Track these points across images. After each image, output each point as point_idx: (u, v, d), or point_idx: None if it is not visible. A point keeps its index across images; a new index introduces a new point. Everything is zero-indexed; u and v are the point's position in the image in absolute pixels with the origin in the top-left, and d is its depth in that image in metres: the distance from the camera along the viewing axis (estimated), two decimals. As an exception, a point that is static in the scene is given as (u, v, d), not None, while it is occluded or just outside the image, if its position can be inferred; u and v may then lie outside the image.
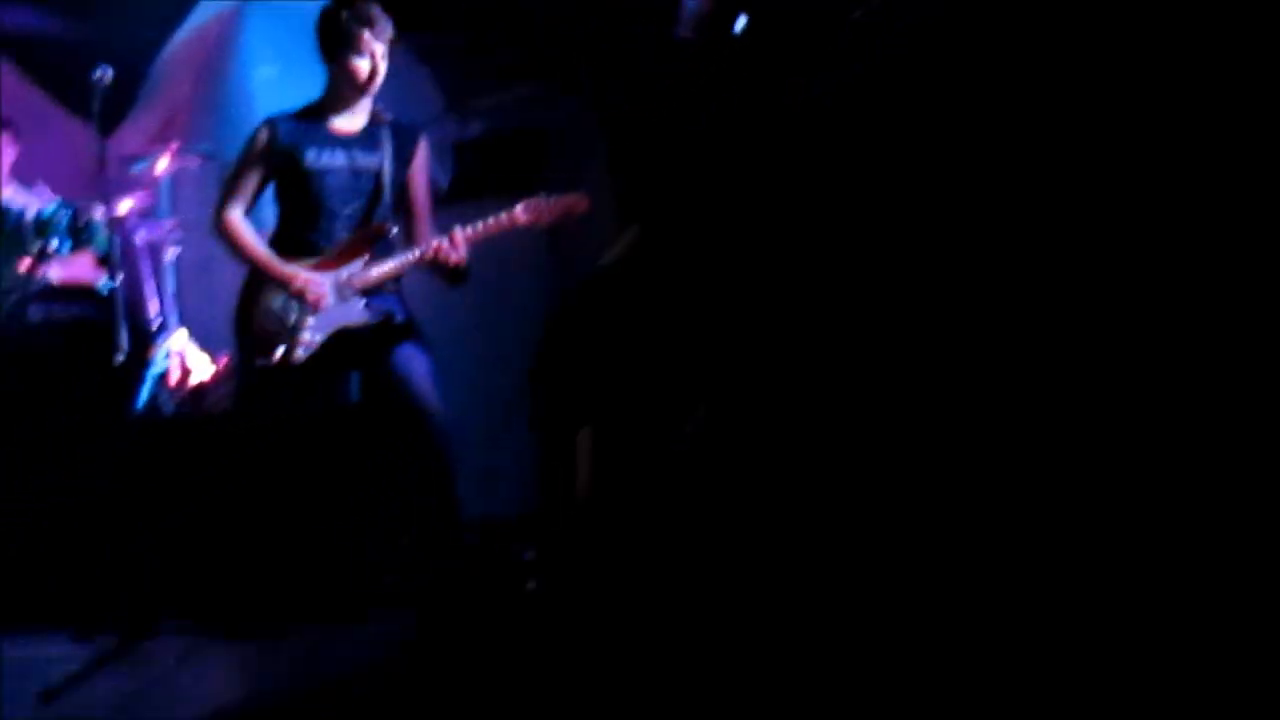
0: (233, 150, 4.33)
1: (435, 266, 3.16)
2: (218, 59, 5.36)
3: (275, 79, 4.99)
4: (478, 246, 3.20)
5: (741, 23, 3.36)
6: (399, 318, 3.23)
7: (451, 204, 4.19)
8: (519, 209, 3.16)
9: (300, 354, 3.12)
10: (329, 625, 3.15)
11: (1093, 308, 1.79)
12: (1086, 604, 1.66)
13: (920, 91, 2.13)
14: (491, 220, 3.15)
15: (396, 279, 3.24)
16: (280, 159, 3.19)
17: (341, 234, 3.20)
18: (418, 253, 3.15)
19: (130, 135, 5.07)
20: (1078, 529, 1.71)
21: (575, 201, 3.22)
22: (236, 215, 3.21)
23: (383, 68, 3.16)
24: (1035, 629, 1.67)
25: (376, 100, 3.30)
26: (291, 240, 3.22)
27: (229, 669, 2.80)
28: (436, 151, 4.38)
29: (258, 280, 3.19)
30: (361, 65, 3.12)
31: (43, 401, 3.85)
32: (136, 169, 4.65)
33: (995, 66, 1.94)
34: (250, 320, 3.19)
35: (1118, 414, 1.73)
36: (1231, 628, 1.56)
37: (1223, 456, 1.65)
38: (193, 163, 4.78)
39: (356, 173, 3.20)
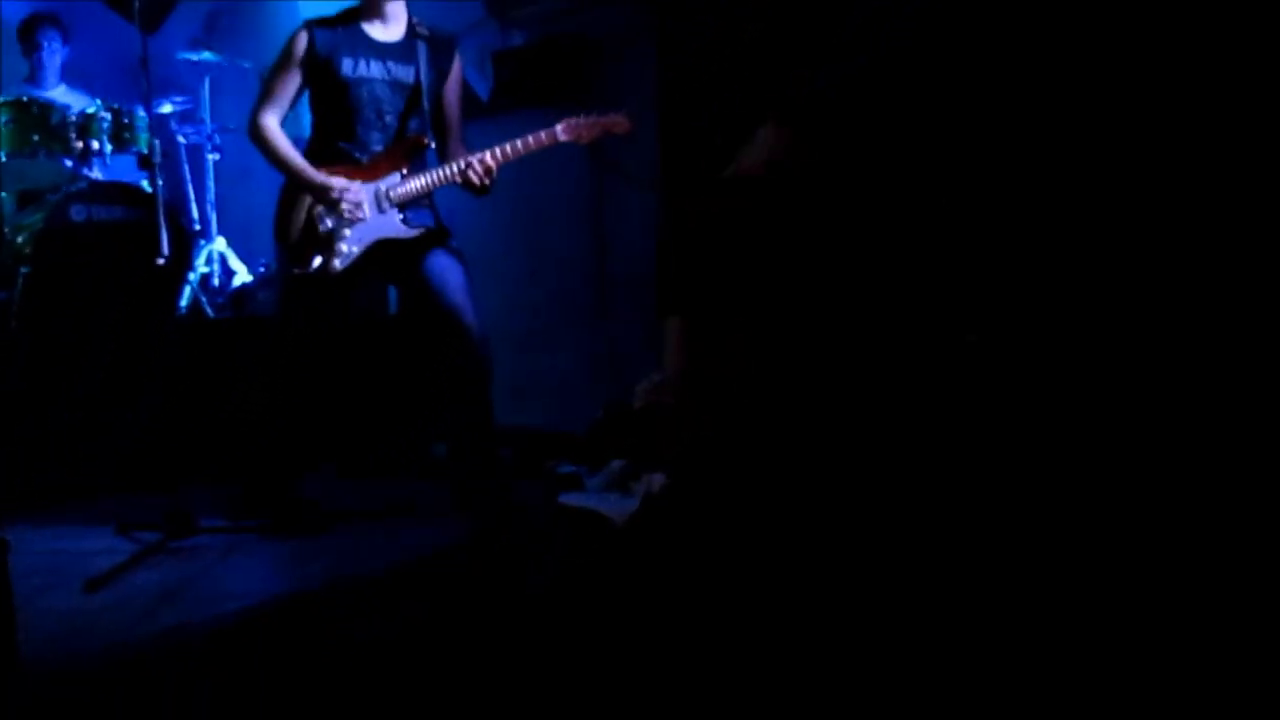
0: (273, 55, 4.28)
1: (465, 184, 3.15)
2: (260, -40, 5.31)
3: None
4: (514, 160, 3.17)
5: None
6: (434, 230, 3.23)
7: (492, 115, 4.16)
8: (558, 128, 3.11)
9: (337, 265, 3.12)
10: (367, 526, 3.22)
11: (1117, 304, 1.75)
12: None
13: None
14: (530, 139, 3.12)
15: (430, 192, 3.23)
16: (317, 67, 3.15)
17: (377, 145, 3.18)
18: (448, 170, 3.13)
19: (173, 36, 5.03)
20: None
21: (616, 121, 3.17)
22: (272, 121, 3.18)
23: None
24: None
25: (414, 10, 3.25)
26: (327, 149, 3.20)
27: (270, 565, 2.86)
28: (476, 60, 4.33)
29: (295, 188, 3.18)
30: None
31: (85, 301, 3.91)
32: (178, 70, 4.64)
33: (1001, 55, 1.88)
34: (288, 227, 3.18)
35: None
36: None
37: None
38: (233, 66, 4.76)
39: (393, 84, 3.18)
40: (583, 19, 4.25)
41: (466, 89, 3.53)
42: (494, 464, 3.24)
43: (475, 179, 3.08)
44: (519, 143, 3.11)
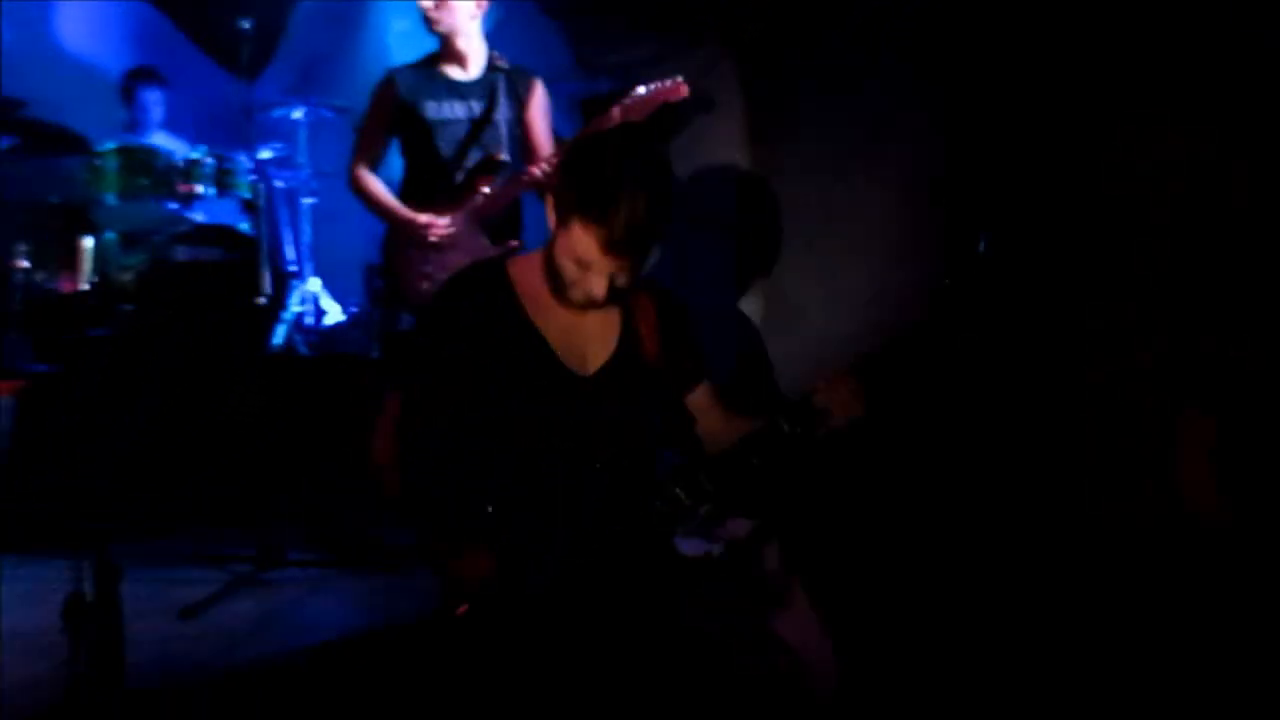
0: (365, 99, 4.41)
1: (537, 186, 3.19)
2: (354, 11, 5.49)
3: (409, 34, 5.08)
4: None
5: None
6: (518, 245, 3.27)
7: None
8: (614, 109, 3.06)
9: (425, 289, 3.19)
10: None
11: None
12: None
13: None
14: (589, 128, 3.13)
15: (515, 211, 3.30)
16: (402, 113, 3.27)
17: (461, 177, 3.26)
18: (521, 176, 3.19)
19: (271, 85, 5.22)
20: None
21: (672, 88, 3.07)
22: (365, 171, 3.32)
23: (438, 10, 3.19)
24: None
25: (493, 47, 3.34)
26: (419, 191, 3.30)
27: (358, 599, 2.89)
28: (565, 108, 4.40)
29: (395, 230, 3.28)
30: (421, 4, 3.21)
31: (185, 338, 4.03)
32: (276, 118, 4.80)
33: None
34: (392, 267, 3.30)
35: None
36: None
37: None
38: (328, 112, 4.90)
39: (474, 121, 3.27)
40: (667, 68, 4.30)
41: (555, 135, 3.58)
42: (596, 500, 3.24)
43: (541, 175, 3.12)
44: (576, 136, 3.16)
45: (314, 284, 4.80)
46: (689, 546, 3.22)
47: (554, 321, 1.86)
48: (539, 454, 1.82)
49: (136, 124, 4.94)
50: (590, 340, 1.89)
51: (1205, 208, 2.33)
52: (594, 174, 1.74)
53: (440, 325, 1.86)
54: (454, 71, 3.30)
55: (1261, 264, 2.23)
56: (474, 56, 3.29)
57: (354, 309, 4.74)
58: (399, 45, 5.18)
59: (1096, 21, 2.57)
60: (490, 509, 1.79)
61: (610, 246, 1.73)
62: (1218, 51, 2.36)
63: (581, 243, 1.73)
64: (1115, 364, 2.46)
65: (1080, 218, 2.59)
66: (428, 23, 3.24)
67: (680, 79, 3.08)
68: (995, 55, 2.90)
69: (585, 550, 1.83)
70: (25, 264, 4.28)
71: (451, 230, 3.18)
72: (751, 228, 3.86)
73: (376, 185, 3.30)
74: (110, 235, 4.35)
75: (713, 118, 3.53)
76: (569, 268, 1.78)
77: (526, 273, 1.89)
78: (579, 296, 1.82)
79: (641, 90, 3.05)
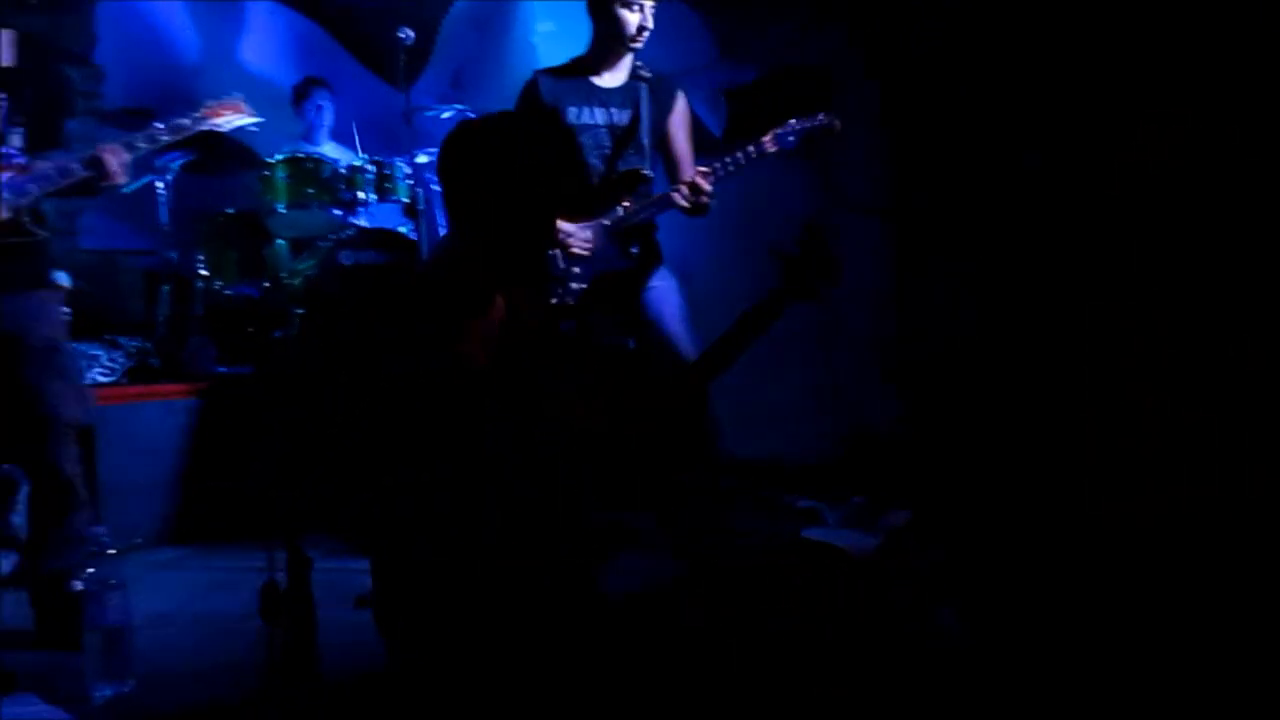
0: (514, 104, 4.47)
1: (680, 206, 3.19)
2: (501, 16, 5.63)
3: (554, 34, 5.18)
4: (734, 178, 3.19)
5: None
6: (652, 260, 3.30)
7: (725, 152, 4.22)
8: (765, 139, 3.08)
9: (570, 301, 3.24)
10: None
11: None
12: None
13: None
14: (739, 154, 3.11)
15: (652, 220, 3.30)
16: (545, 116, 3.26)
17: (602, 185, 3.27)
18: (663, 197, 3.18)
19: (424, 91, 5.41)
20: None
21: (826, 124, 3.09)
22: None
23: (650, 23, 3.17)
24: None
25: (640, 55, 3.33)
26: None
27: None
28: (709, 99, 4.41)
29: None
30: (630, 18, 3.15)
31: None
32: (430, 122, 4.95)
33: None
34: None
35: None
36: None
37: None
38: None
39: (615, 127, 3.27)
40: (807, 48, 4.25)
41: (699, 125, 3.59)
42: (713, 493, 3.25)
43: (683, 201, 3.11)
44: (728, 159, 3.13)
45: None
46: (848, 539, 3.20)
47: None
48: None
49: (309, 133, 5.18)
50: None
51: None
52: None
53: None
54: (598, 78, 3.31)
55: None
56: (622, 65, 3.30)
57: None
58: (545, 46, 5.28)
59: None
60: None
61: None
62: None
63: None
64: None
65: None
66: (630, 42, 3.19)
67: (835, 119, 3.08)
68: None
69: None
70: (204, 272, 4.56)
71: (589, 246, 3.22)
72: (903, 210, 3.79)
73: None
74: (281, 242, 4.58)
75: (845, 98, 3.46)
76: None
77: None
78: None
79: (794, 123, 3.07)
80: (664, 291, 3.27)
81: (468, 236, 1.86)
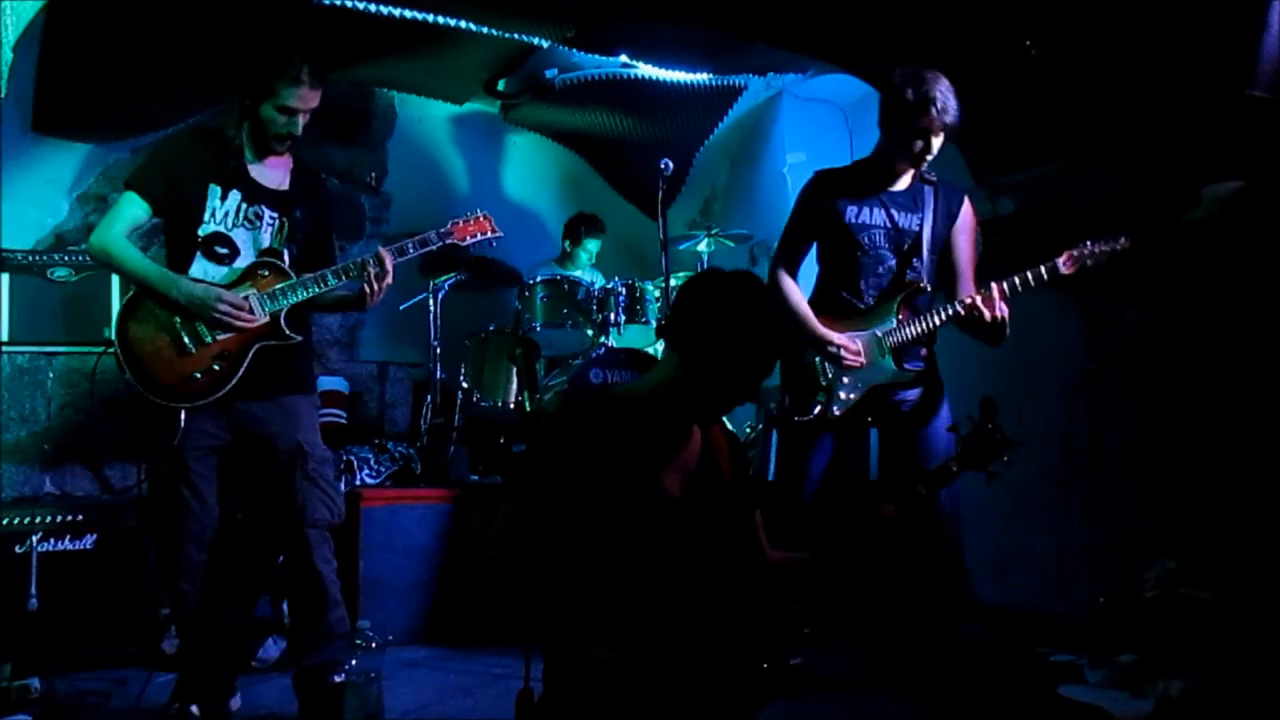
0: (764, 230, 4.56)
1: (971, 323, 3.05)
2: (753, 147, 5.81)
3: (804, 165, 5.28)
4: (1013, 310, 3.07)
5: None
6: (928, 378, 3.18)
7: (978, 282, 4.12)
8: (1060, 260, 2.98)
9: (835, 411, 3.15)
10: (833, 696, 3.15)
11: None
12: None
13: None
14: (1036, 270, 2.99)
15: (931, 338, 3.18)
16: (822, 213, 3.23)
17: (876, 292, 3.19)
18: (953, 308, 3.06)
19: (674, 219, 5.61)
20: None
21: (1121, 244, 2.97)
22: (784, 274, 3.29)
23: (936, 146, 3.10)
24: None
25: None
26: (830, 296, 3.25)
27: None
28: (966, 228, 4.33)
29: (799, 340, 3.24)
30: (917, 144, 3.08)
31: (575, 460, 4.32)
32: (682, 248, 5.13)
33: None
34: (792, 378, 3.29)
35: None
36: None
37: None
38: (728, 242, 5.17)
39: (896, 231, 3.18)
40: (1071, 182, 4.12)
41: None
42: (959, 640, 3.04)
43: (988, 311, 2.97)
44: (1028, 274, 2.99)
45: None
46: (1113, 700, 2.93)
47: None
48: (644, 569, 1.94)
49: (568, 260, 5.48)
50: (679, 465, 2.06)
51: None
52: None
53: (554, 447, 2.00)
54: (882, 179, 3.22)
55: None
56: (908, 172, 3.21)
57: (748, 430, 4.88)
58: (794, 176, 5.40)
59: None
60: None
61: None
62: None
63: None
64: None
65: None
66: (920, 158, 3.13)
67: (1127, 238, 2.98)
68: None
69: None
70: (465, 385, 4.85)
71: (861, 358, 3.14)
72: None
73: (794, 292, 3.26)
74: (539, 360, 4.82)
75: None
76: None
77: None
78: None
79: (1090, 245, 2.99)
80: (937, 425, 3.11)
81: (685, 373, 1.98)
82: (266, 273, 2.90)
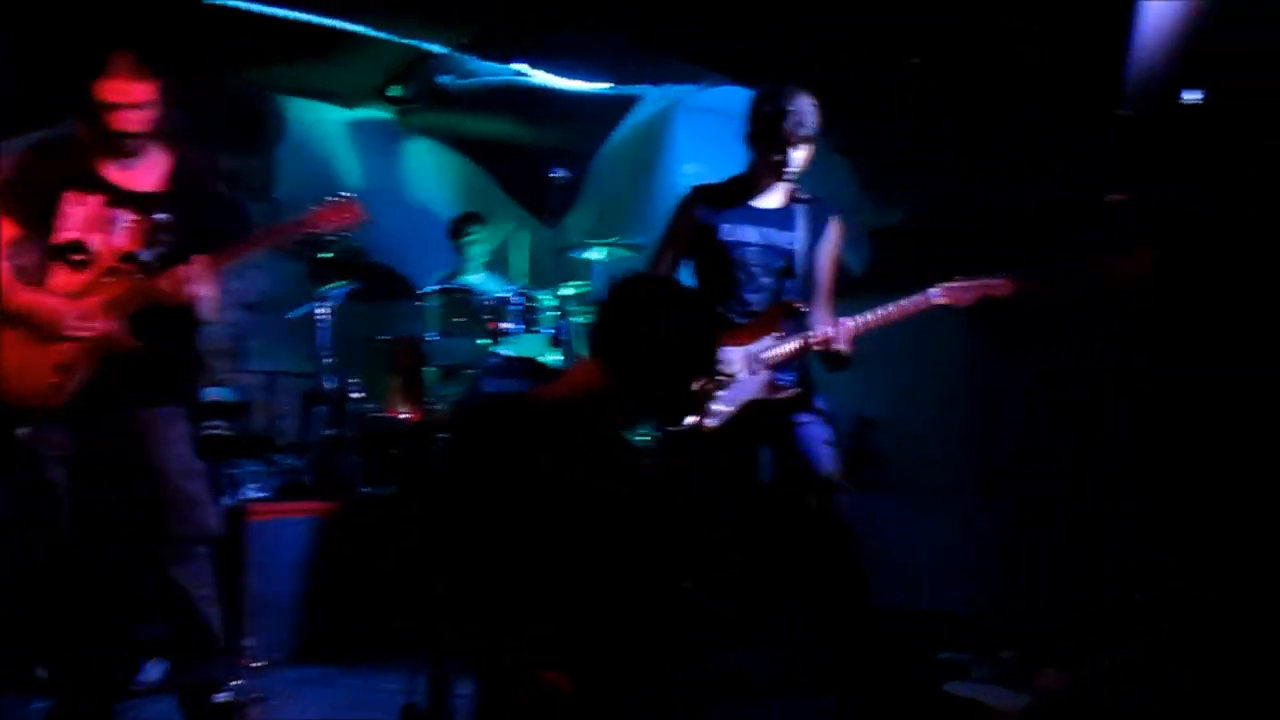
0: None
1: (822, 355, 3.16)
2: (648, 157, 5.84)
3: (699, 174, 5.33)
4: (892, 325, 3.16)
5: (1194, 95, 3.13)
6: (803, 391, 3.24)
7: (863, 292, 4.22)
8: (932, 291, 3.09)
9: (710, 424, 3.20)
10: (745, 700, 3.18)
11: None
12: None
13: None
14: (904, 303, 3.10)
15: (804, 355, 3.22)
16: (698, 231, 3.28)
17: (753, 309, 3.25)
18: (811, 337, 3.15)
19: (572, 228, 5.62)
20: None
21: (996, 285, 3.10)
22: None
23: (801, 162, 3.18)
24: None
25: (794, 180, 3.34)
26: None
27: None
28: (852, 237, 4.43)
29: None
30: (775, 156, 3.17)
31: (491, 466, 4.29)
32: (577, 258, 5.13)
33: None
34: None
35: None
36: None
37: None
38: (624, 251, 5.18)
39: (769, 248, 3.24)
40: (956, 194, 4.26)
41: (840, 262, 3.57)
42: (868, 643, 3.12)
43: (833, 346, 3.08)
44: (891, 307, 3.09)
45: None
46: (994, 695, 3.03)
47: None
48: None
49: (462, 265, 5.43)
50: None
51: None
52: None
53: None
54: (757, 197, 3.29)
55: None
56: (780, 186, 3.28)
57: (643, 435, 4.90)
58: (688, 186, 5.44)
59: None
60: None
61: None
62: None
63: None
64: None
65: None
66: (784, 173, 3.19)
67: (1005, 278, 3.09)
68: None
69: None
70: (358, 395, 4.76)
71: (734, 376, 3.19)
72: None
73: None
74: (431, 369, 4.76)
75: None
76: None
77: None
78: None
79: (963, 281, 3.10)
80: (816, 424, 3.19)
81: (614, 379, 1.95)
82: (116, 278, 2.79)
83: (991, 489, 4.02)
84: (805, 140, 3.14)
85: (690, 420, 3.17)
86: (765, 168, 3.22)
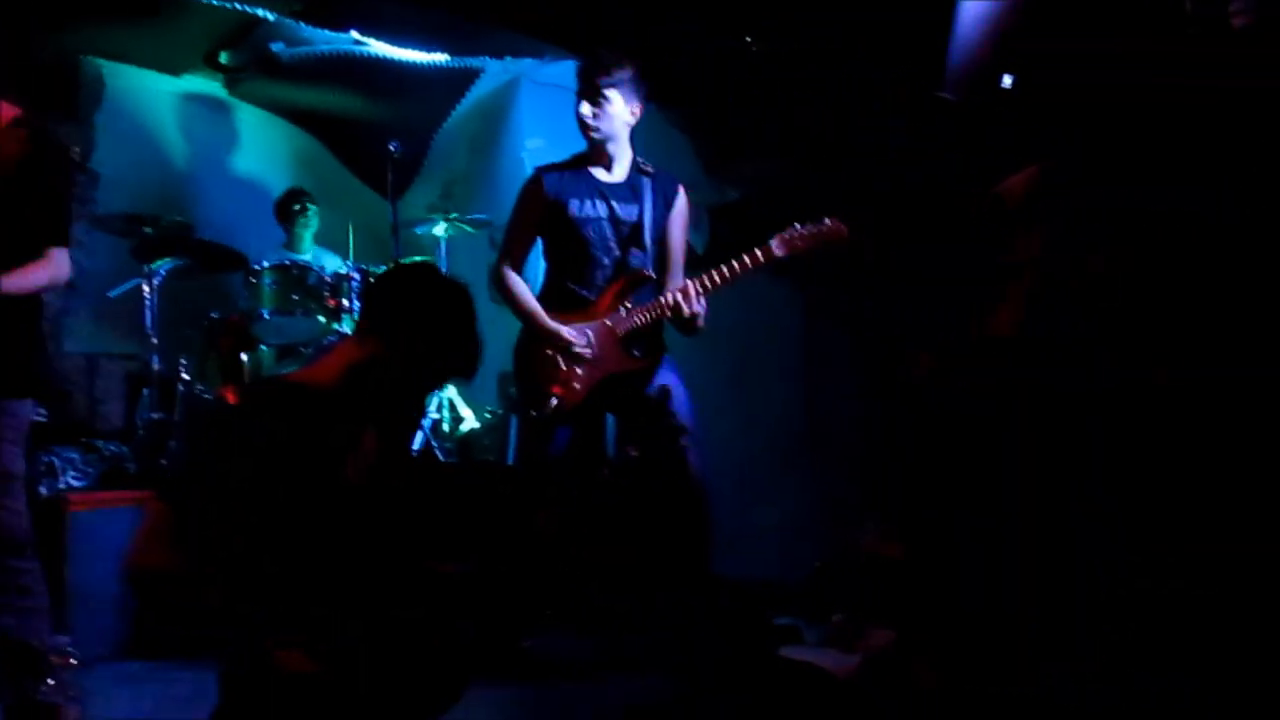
0: (504, 215, 4.52)
1: (674, 319, 3.20)
2: (491, 132, 5.77)
3: (543, 149, 5.30)
4: (734, 299, 3.22)
5: (1009, 80, 3.28)
6: (659, 359, 3.29)
7: (706, 268, 4.30)
8: (773, 243, 3.13)
9: (572, 404, 3.20)
10: (577, 681, 3.21)
11: None
12: None
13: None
14: (745, 258, 3.14)
15: (659, 324, 3.29)
16: (547, 209, 3.29)
17: (603, 283, 3.28)
18: (663, 301, 3.19)
19: (414, 203, 5.50)
20: None
21: (832, 229, 3.15)
22: (510, 270, 3.33)
23: (596, 119, 3.22)
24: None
25: (639, 152, 3.38)
26: (559, 291, 3.31)
27: (490, 711, 2.87)
28: (694, 215, 4.49)
29: (530, 334, 3.30)
30: (581, 112, 3.23)
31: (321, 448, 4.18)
32: (419, 233, 5.04)
33: None
34: (526, 373, 3.32)
35: None
36: None
37: None
38: (468, 227, 5.12)
39: (617, 222, 3.27)
40: (793, 174, 4.37)
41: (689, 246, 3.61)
42: (712, 613, 3.20)
43: (684, 308, 3.13)
44: (718, 271, 3.15)
45: (450, 390, 4.96)
46: (827, 657, 3.14)
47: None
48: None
49: (292, 243, 5.25)
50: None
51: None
52: None
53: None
54: (600, 172, 3.31)
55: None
56: (621, 160, 3.31)
57: (488, 415, 4.87)
58: (534, 161, 5.39)
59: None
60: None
61: None
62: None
63: None
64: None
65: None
66: (584, 129, 3.24)
67: (839, 221, 3.15)
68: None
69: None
70: (187, 376, 4.55)
71: (590, 349, 3.21)
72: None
73: (521, 288, 3.31)
74: (265, 348, 4.59)
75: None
76: None
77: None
78: None
79: (799, 228, 3.14)
80: (675, 388, 3.23)
81: (393, 354, 2.00)
82: None
83: (817, 463, 4.16)
84: (591, 91, 3.19)
85: (554, 403, 3.17)
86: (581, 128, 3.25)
